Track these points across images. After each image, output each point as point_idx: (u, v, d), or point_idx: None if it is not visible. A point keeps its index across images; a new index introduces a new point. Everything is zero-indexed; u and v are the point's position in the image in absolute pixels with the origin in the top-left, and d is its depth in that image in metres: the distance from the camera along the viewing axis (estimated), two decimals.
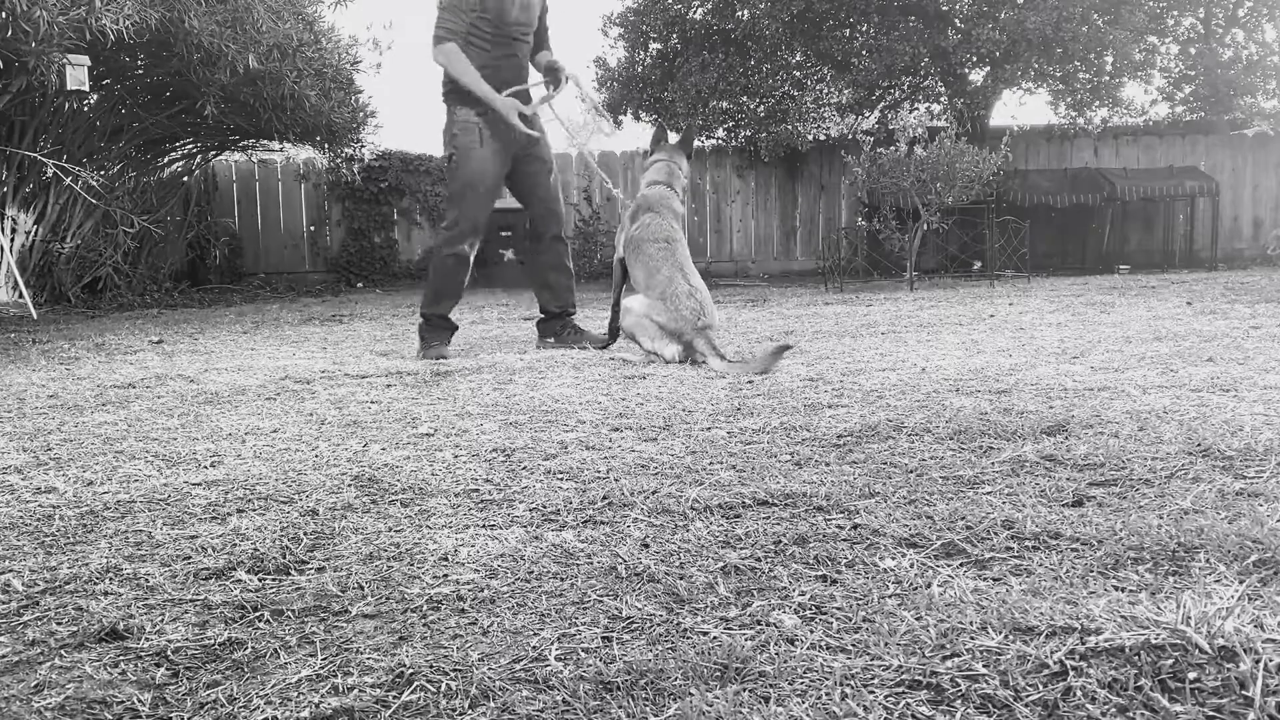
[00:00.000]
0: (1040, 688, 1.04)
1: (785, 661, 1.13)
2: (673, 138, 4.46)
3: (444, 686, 1.10)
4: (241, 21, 7.24)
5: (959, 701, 1.02)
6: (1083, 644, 1.11)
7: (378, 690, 1.10)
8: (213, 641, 1.24)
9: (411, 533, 1.67)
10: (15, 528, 1.75)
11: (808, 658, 1.14)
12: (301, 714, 1.05)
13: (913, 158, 9.03)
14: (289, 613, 1.33)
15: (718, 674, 1.10)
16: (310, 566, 1.51)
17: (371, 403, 3.05)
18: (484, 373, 3.69)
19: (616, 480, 1.96)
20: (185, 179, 10.42)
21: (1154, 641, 1.10)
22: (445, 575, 1.46)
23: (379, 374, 3.72)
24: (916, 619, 1.22)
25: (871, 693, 1.05)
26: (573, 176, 12.16)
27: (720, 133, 11.82)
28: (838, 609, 1.28)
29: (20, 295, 7.42)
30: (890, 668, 1.10)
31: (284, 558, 1.54)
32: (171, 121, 9.02)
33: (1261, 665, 1.03)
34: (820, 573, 1.41)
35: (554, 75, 4.44)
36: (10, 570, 1.52)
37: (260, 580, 1.45)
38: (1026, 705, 1.01)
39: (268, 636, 1.25)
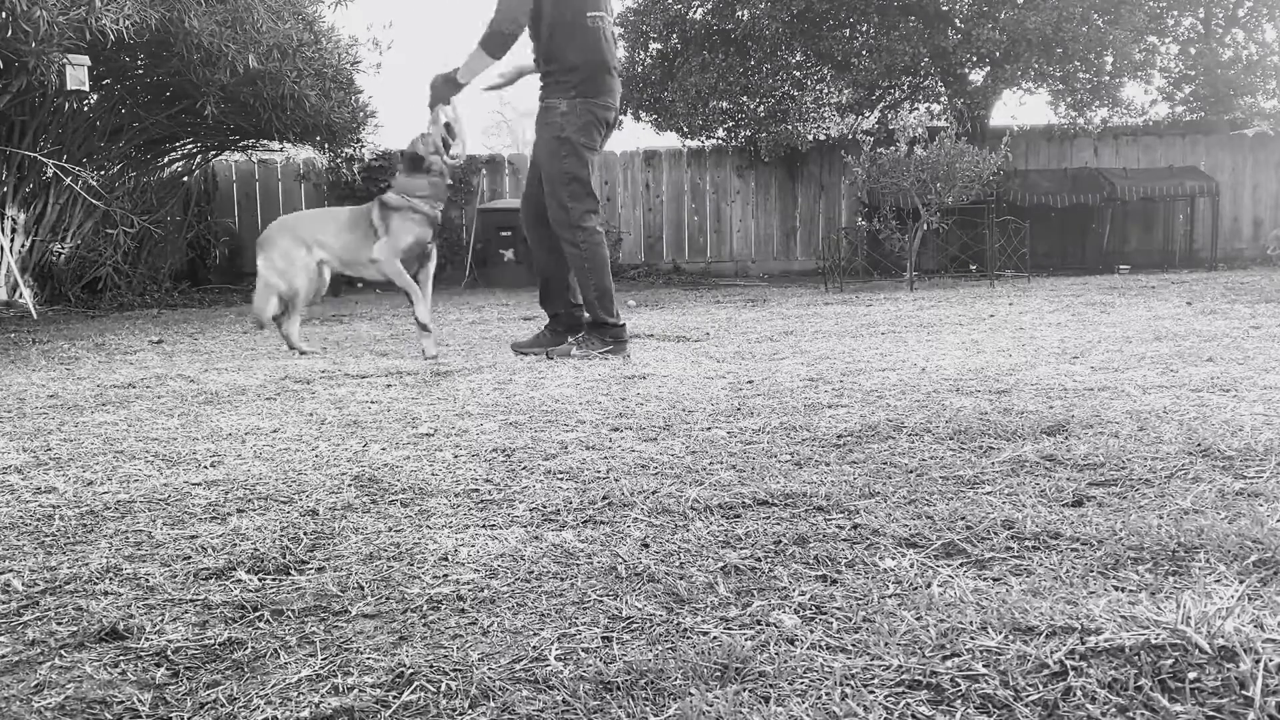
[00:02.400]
0: (1040, 688, 1.04)
1: (785, 661, 1.13)
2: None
3: (444, 686, 1.10)
4: (241, 21, 7.24)
5: (959, 701, 1.02)
6: (1083, 644, 1.11)
7: (378, 690, 1.10)
8: (213, 641, 1.24)
9: (411, 533, 1.67)
10: (15, 528, 1.75)
11: (808, 658, 1.14)
12: (301, 714, 1.05)
13: (913, 158, 9.03)
14: (289, 613, 1.33)
15: (718, 674, 1.10)
16: (310, 566, 1.51)
17: (371, 403, 3.05)
18: (484, 373, 3.69)
19: (616, 480, 1.96)
20: (185, 179, 10.42)
21: (1154, 641, 1.10)
22: (445, 575, 1.46)
23: (379, 374, 3.73)
24: (916, 619, 1.22)
25: (871, 693, 1.05)
26: None
27: (720, 133, 11.81)
28: (838, 609, 1.28)
29: (20, 295, 7.42)
30: (890, 668, 1.10)
31: (284, 558, 1.54)
32: (171, 121, 9.02)
33: (1261, 665, 1.03)
34: (820, 573, 1.41)
35: None
36: (10, 570, 1.52)
37: (260, 580, 1.45)
38: (1026, 705, 1.01)
39: (268, 636, 1.25)
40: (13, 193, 7.66)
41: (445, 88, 4.23)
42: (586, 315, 4.24)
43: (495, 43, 4.07)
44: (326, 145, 10.47)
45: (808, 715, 1.01)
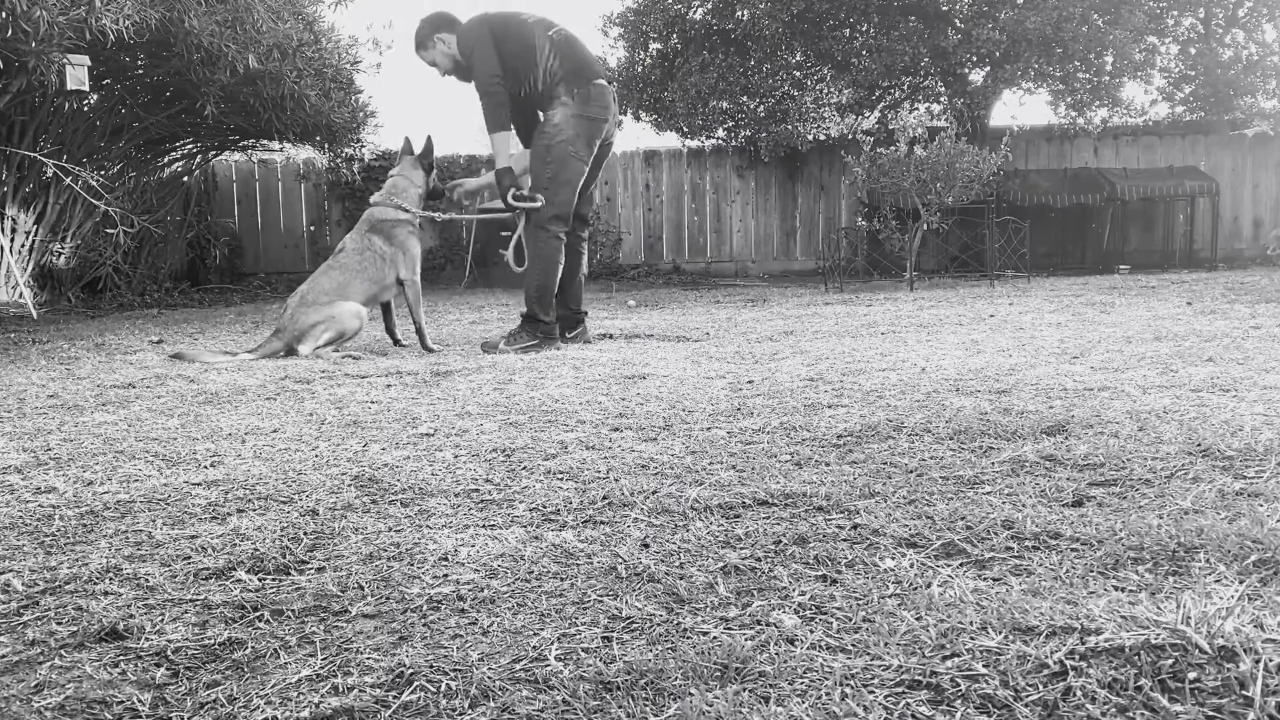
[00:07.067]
0: (1040, 688, 1.04)
1: (785, 661, 1.12)
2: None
3: (444, 686, 1.10)
4: (241, 21, 7.24)
5: (959, 701, 1.02)
6: (1083, 644, 1.11)
7: (378, 690, 1.10)
8: (213, 641, 1.24)
9: (411, 533, 1.67)
10: (15, 528, 1.75)
11: (808, 658, 1.13)
12: (301, 714, 1.05)
13: (913, 158, 9.04)
14: (289, 613, 1.33)
15: (718, 674, 1.10)
16: (310, 566, 1.51)
17: (371, 403, 3.04)
18: (484, 373, 3.69)
19: (616, 480, 1.96)
20: (185, 179, 10.42)
21: (1154, 641, 1.10)
22: (445, 575, 1.46)
23: (379, 374, 3.72)
24: (916, 619, 1.22)
25: (871, 693, 1.05)
26: None
27: (720, 133, 11.81)
28: (838, 609, 1.28)
29: (20, 295, 7.42)
30: (890, 668, 1.10)
31: (284, 558, 1.54)
32: (171, 121, 9.02)
33: (1261, 665, 1.03)
34: (820, 573, 1.41)
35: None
36: (10, 570, 1.52)
37: (260, 580, 1.45)
38: (1026, 705, 1.01)
39: (268, 636, 1.25)
40: (13, 193, 7.66)
41: (508, 177, 4.49)
42: (523, 309, 4.59)
43: (494, 117, 4.38)
44: (326, 145, 10.47)
45: (808, 715, 1.01)
